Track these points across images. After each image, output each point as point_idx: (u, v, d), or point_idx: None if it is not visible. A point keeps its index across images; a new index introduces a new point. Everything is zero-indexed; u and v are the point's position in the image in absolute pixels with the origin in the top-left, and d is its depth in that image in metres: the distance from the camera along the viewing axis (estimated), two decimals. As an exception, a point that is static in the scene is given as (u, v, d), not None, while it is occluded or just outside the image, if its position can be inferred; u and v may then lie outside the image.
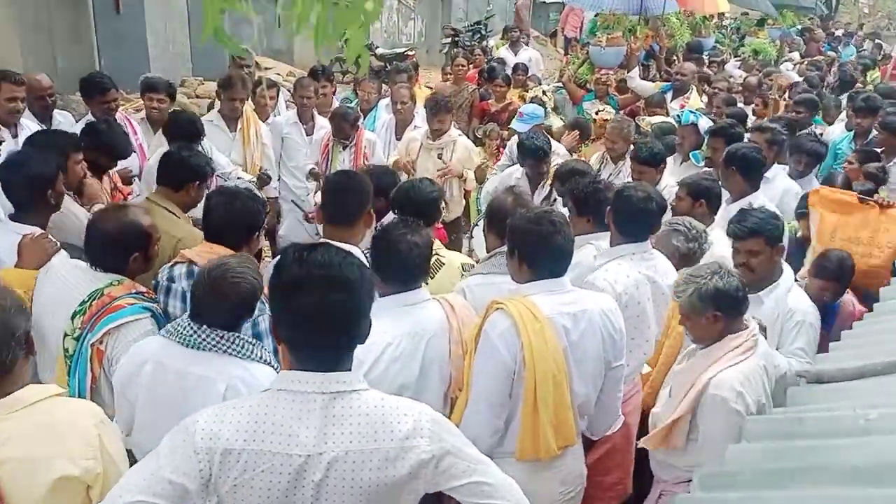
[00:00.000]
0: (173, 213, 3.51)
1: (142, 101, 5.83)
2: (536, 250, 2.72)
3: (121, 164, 4.59)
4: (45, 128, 4.79)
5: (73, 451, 2.01)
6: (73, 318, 2.72)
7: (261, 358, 2.47)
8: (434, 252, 3.33)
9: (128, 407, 2.48)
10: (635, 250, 3.35)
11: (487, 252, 3.38)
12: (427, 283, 2.93)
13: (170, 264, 2.99)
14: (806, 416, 1.68)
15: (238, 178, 5.21)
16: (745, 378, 2.75)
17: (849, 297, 3.99)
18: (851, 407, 1.62)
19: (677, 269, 3.35)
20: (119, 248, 2.83)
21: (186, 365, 2.40)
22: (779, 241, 3.48)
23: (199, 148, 4.77)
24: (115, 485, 1.96)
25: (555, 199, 4.95)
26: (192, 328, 2.41)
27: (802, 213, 4.56)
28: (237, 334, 2.46)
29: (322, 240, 3.10)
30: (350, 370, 1.80)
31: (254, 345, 2.49)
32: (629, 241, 3.36)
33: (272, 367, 2.47)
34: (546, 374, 2.59)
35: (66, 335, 2.71)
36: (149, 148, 5.28)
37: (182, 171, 3.56)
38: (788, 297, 3.43)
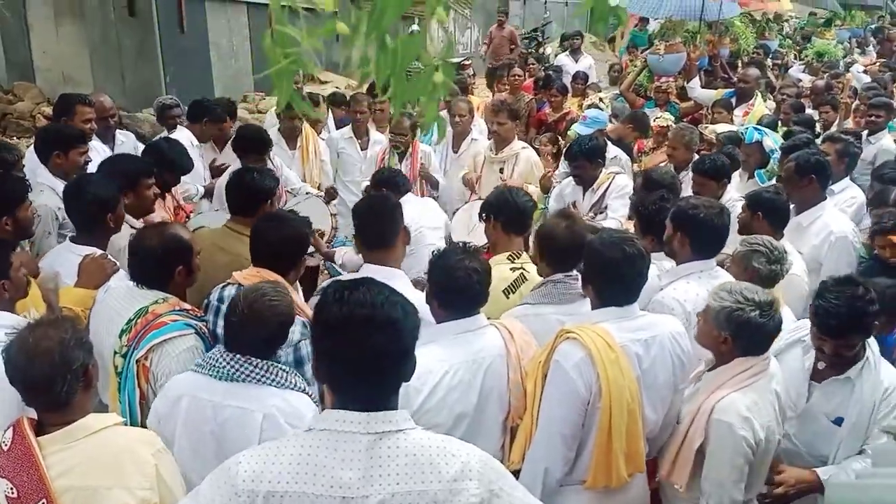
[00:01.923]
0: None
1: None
2: (605, 275, 2.67)
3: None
4: (108, 148, 4.97)
5: (130, 481, 2.04)
6: (120, 335, 2.76)
7: (295, 386, 2.45)
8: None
9: (167, 442, 2.48)
10: (703, 268, 3.25)
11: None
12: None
13: (220, 286, 3.02)
14: (891, 482, 1.54)
15: (307, 193, 5.28)
16: (752, 403, 2.62)
17: None
18: None
19: None
20: (162, 263, 2.86)
21: (223, 398, 2.39)
22: (870, 332, 2.85)
23: (268, 163, 4.90)
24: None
25: (605, 207, 4.82)
26: (224, 359, 2.40)
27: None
28: (271, 363, 2.44)
29: (363, 273, 3.09)
30: (396, 409, 1.75)
31: (288, 372, 2.47)
32: (698, 258, 3.26)
33: (308, 394, 2.45)
34: (621, 405, 2.53)
35: (115, 353, 2.76)
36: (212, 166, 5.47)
37: (251, 195, 3.56)
38: (882, 372, 2.85)
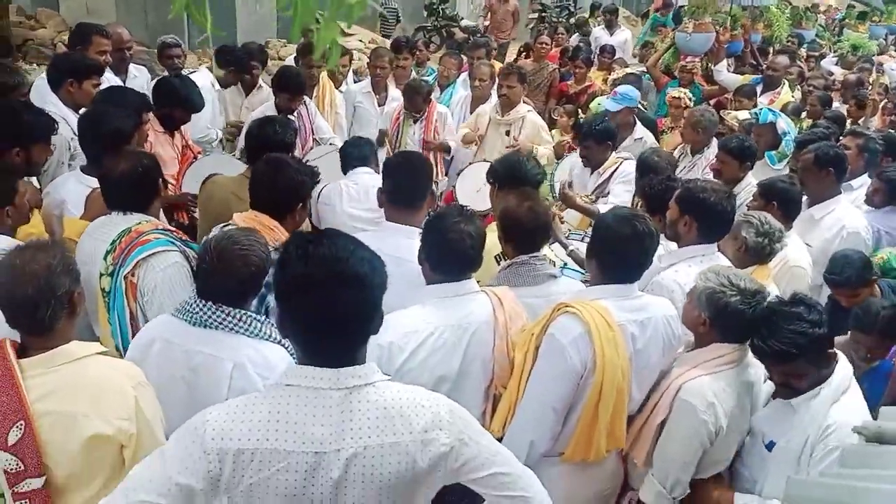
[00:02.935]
0: None
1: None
2: (609, 251, 2.65)
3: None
4: (121, 80, 4.95)
5: (108, 410, 2.05)
6: (105, 257, 2.78)
7: (270, 336, 2.41)
8: None
9: None
10: (705, 252, 3.21)
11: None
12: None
13: (221, 225, 2.99)
14: (856, 484, 1.52)
15: (331, 144, 5.22)
16: (720, 389, 2.60)
17: None
18: None
19: (745, 265, 3.21)
20: (140, 183, 2.89)
21: (194, 343, 2.37)
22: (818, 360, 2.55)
23: (304, 106, 4.96)
24: (146, 449, 2.01)
25: (608, 192, 4.71)
26: (198, 305, 2.38)
27: None
28: (244, 311, 2.40)
29: (381, 229, 3.07)
30: (364, 363, 1.73)
31: (262, 322, 2.43)
32: (703, 242, 3.22)
33: (283, 345, 2.41)
34: (613, 383, 2.53)
35: (101, 275, 2.77)
36: (242, 108, 5.58)
37: (265, 146, 3.51)
38: (835, 411, 2.50)
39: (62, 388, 2.05)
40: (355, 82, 6.94)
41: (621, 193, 4.61)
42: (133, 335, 2.70)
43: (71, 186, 3.34)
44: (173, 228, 2.95)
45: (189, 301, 2.42)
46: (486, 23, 11.95)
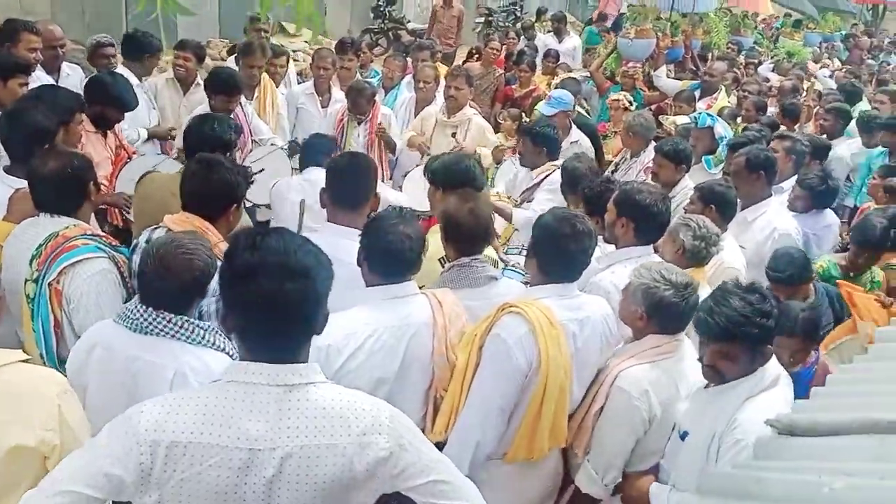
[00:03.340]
0: None
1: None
2: (550, 251, 2.69)
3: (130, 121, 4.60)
4: (53, 79, 4.78)
5: (30, 419, 1.97)
6: (30, 262, 2.69)
7: (213, 343, 2.36)
8: None
9: (81, 392, 2.42)
10: (641, 254, 3.26)
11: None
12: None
13: (150, 228, 2.92)
14: (766, 475, 1.57)
15: (272, 145, 5.17)
16: (656, 378, 2.67)
17: (825, 359, 3.40)
18: (818, 470, 1.50)
19: (682, 267, 3.22)
20: (73, 183, 2.81)
21: (135, 350, 2.31)
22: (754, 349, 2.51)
23: (240, 107, 4.85)
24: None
25: (532, 199, 4.67)
26: (139, 311, 2.32)
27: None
28: (187, 318, 2.35)
29: (323, 231, 3.03)
30: (306, 362, 1.72)
31: (206, 329, 2.38)
32: (639, 243, 3.28)
33: (227, 353, 2.37)
34: (556, 382, 2.56)
35: (26, 280, 2.69)
36: (181, 107, 5.36)
37: (207, 143, 3.43)
38: (747, 406, 2.47)
39: None
40: (299, 83, 6.86)
41: (543, 201, 4.51)
42: (57, 343, 2.63)
43: None
44: (103, 233, 2.87)
45: (130, 307, 2.36)
46: (431, 32, 11.29)
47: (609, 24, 12.21)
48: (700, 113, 5.87)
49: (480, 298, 2.90)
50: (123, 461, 1.59)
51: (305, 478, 1.65)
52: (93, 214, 3.20)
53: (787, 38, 14.60)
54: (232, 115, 4.77)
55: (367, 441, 1.68)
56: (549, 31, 12.42)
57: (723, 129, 5.51)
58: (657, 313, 2.71)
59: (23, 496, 1.65)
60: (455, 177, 3.49)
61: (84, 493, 1.58)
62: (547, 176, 4.70)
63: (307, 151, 4.20)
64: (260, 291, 1.61)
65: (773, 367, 2.57)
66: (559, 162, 4.74)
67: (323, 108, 6.10)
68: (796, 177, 4.94)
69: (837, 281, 4.02)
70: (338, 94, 6.18)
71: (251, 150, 4.86)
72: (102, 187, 3.79)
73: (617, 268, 3.22)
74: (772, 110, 7.57)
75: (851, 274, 4.14)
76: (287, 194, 4.00)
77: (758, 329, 2.41)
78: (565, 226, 2.67)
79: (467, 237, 2.99)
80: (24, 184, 3.11)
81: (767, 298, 2.47)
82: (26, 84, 4.04)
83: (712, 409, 2.52)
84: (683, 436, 2.64)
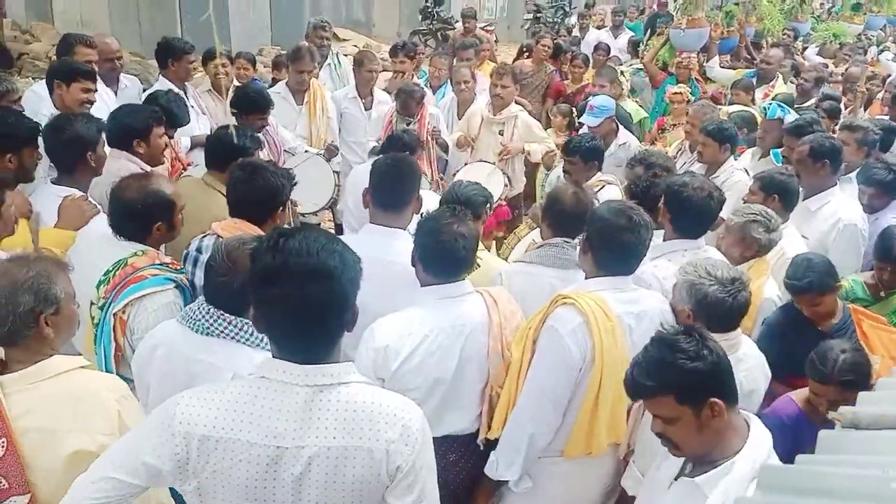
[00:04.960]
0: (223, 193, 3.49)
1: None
2: (606, 243, 2.64)
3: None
4: (112, 90, 4.91)
5: (90, 425, 2.01)
6: (97, 286, 2.72)
7: (269, 345, 2.39)
8: None
9: (144, 391, 2.47)
10: (688, 247, 3.20)
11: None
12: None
13: (200, 236, 2.97)
14: (829, 470, 1.49)
15: (305, 152, 5.19)
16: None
17: None
18: (883, 465, 1.43)
19: (749, 259, 3.25)
20: (142, 216, 2.81)
21: (196, 351, 2.34)
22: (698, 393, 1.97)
23: (269, 122, 4.82)
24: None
25: None
26: (201, 312, 2.36)
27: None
28: (245, 320, 2.37)
29: (364, 232, 3.03)
30: (337, 360, 1.71)
31: None
32: (682, 236, 3.22)
33: None
34: (612, 375, 2.51)
35: (91, 304, 2.72)
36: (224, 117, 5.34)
37: (226, 153, 3.52)
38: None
39: (43, 405, 2.01)
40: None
41: None
42: (117, 366, 2.67)
43: (43, 199, 3.30)
44: (170, 261, 2.88)
45: (194, 307, 2.41)
46: None
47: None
48: (770, 104, 5.66)
49: (565, 280, 2.92)
50: (159, 451, 1.65)
51: (333, 478, 1.66)
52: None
53: (845, 22, 14.06)
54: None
55: (394, 449, 1.68)
56: (598, 27, 12.24)
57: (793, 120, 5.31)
58: (703, 310, 2.62)
59: (73, 481, 1.73)
60: (451, 197, 3.43)
61: (125, 479, 1.68)
62: (597, 192, 4.55)
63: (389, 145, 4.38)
64: (283, 294, 1.62)
65: (753, 451, 1.97)
66: (609, 178, 4.63)
67: (366, 110, 6.08)
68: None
69: (850, 305, 3.39)
70: (380, 96, 6.17)
71: (284, 161, 4.83)
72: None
73: (660, 261, 3.17)
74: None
75: (883, 294, 3.62)
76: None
77: (681, 374, 1.94)
78: (621, 218, 2.62)
79: (564, 218, 3.10)
80: (70, 191, 3.23)
81: (697, 338, 2.00)
82: (91, 90, 4.11)
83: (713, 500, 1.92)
84: None
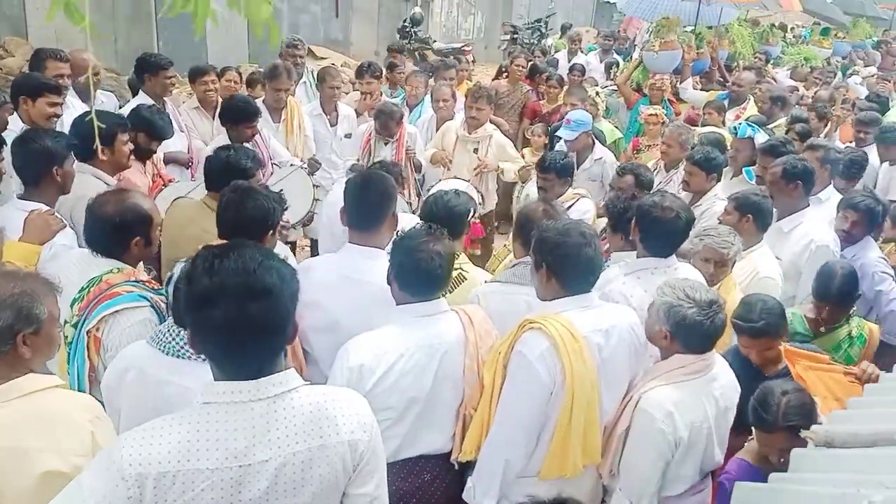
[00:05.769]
0: None
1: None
2: (566, 263, 2.62)
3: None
4: (87, 105, 4.82)
5: (63, 446, 1.96)
6: (71, 305, 2.67)
7: None
8: (457, 266, 3.24)
9: (115, 414, 2.42)
10: (657, 265, 3.22)
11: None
12: (445, 296, 2.80)
13: (185, 259, 2.93)
14: (802, 489, 1.51)
15: (291, 165, 5.18)
16: (680, 399, 2.57)
17: None
18: (856, 483, 1.44)
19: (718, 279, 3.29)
20: (117, 232, 2.77)
21: (167, 374, 2.29)
22: None
23: (257, 133, 4.85)
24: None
25: None
26: (171, 335, 2.31)
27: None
28: None
29: (343, 252, 3.02)
30: (282, 369, 1.69)
31: None
32: (651, 255, 3.25)
33: None
34: (583, 396, 2.51)
35: (65, 322, 2.66)
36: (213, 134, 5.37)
37: (225, 174, 3.45)
38: None
39: (15, 423, 1.96)
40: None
41: None
42: (90, 387, 2.61)
43: (8, 214, 3.25)
44: (147, 278, 2.84)
45: (164, 329, 2.36)
46: None
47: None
48: (741, 123, 5.76)
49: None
50: (110, 498, 1.56)
51: (301, 482, 1.66)
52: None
53: (815, 46, 14.37)
54: (251, 142, 4.81)
55: (356, 438, 1.73)
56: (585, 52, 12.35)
57: (763, 140, 5.39)
58: (681, 332, 2.62)
59: (44, 502, 1.64)
60: (434, 210, 3.42)
61: None
62: (573, 204, 4.64)
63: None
64: (223, 316, 1.57)
65: None
66: (581, 191, 4.78)
67: (332, 126, 6.11)
68: (832, 186, 4.84)
69: (784, 347, 3.12)
70: (344, 110, 6.21)
71: (272, 173, 4.86)
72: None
73: (629, 278, 3.20)
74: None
75: (823, 329, 3.48)
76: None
77: None
78: (573, 235, 2.60)
79: None
80: (36, 206, 3.20)
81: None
82: (57, 104, 4.06)
83: None
84: None
